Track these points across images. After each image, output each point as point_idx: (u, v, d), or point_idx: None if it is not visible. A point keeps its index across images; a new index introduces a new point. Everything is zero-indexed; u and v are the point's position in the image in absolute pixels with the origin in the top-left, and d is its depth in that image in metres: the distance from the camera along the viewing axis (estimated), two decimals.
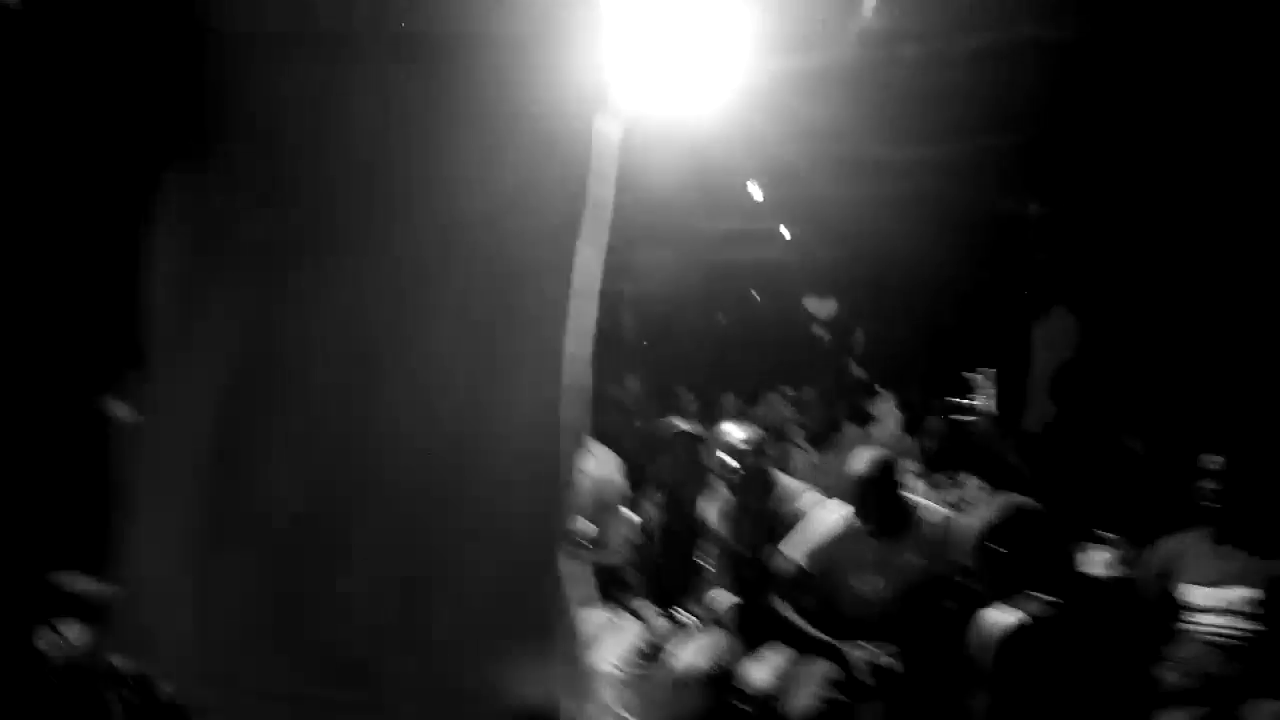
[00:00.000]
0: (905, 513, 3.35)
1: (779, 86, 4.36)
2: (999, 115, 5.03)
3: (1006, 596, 2.51)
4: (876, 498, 3.28)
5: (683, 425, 4.16)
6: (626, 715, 3.58)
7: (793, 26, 3.97)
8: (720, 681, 3.46)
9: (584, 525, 4.02)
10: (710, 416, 5.72)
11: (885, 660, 3.12)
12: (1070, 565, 2.66)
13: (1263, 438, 3.60)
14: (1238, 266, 5.23)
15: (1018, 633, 2.43)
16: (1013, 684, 2.44)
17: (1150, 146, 5.28)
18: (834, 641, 3.27)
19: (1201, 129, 4.90)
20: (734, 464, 3.66)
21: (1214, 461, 3.10)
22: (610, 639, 3.83)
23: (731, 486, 3.73)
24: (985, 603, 2.58)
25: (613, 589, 4.02)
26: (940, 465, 4.21)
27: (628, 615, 3.91)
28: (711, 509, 3.84)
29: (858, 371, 7.76)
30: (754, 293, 11.41)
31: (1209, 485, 3.09)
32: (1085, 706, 2.37)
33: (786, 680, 3.27)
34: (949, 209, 6.83)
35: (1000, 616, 2.47)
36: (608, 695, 3.58)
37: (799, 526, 3.51)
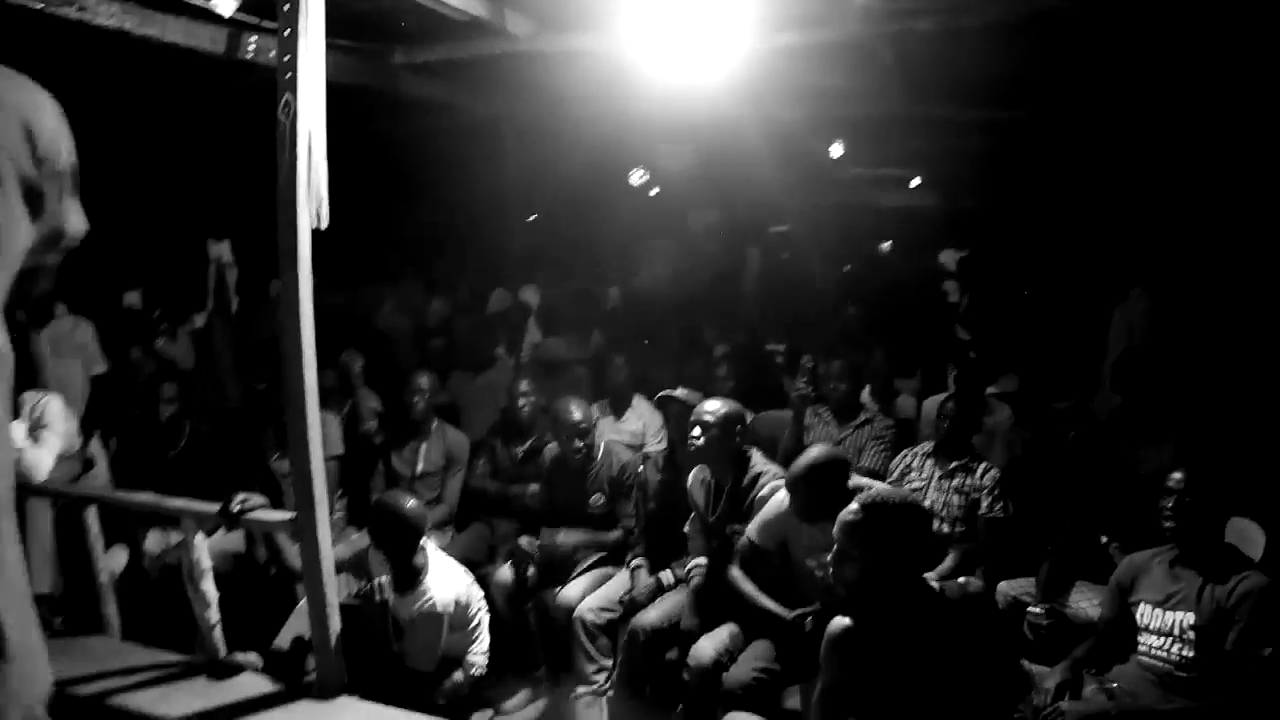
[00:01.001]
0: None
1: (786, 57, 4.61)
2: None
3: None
4: (810, 488, 3.20)
5: (677, 393, 4.22)
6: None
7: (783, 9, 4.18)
8: (665, 641, 3.63)
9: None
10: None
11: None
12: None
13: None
14: None
15: (842, 634, 2.44)
16: (833, 682, 2.47)
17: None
18: (781, 611, 3.33)
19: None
20: (699, 439, 3.69)
21: (1175, 479, 2.91)
22: (600, 588, 4.07)
23: (699, 456, 3.78)
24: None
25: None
26: (952, 449, 4.06)
27: (623, 569, 4.12)
28: (692, 478, 3.92)
29: (961, 333, 7.43)
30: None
31: (1170, 502, 2.90)
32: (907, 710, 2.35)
33: (729, 654, 3.39)
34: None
35: (840, 620, 2.48)
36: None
37: (765, 505, 3.56)
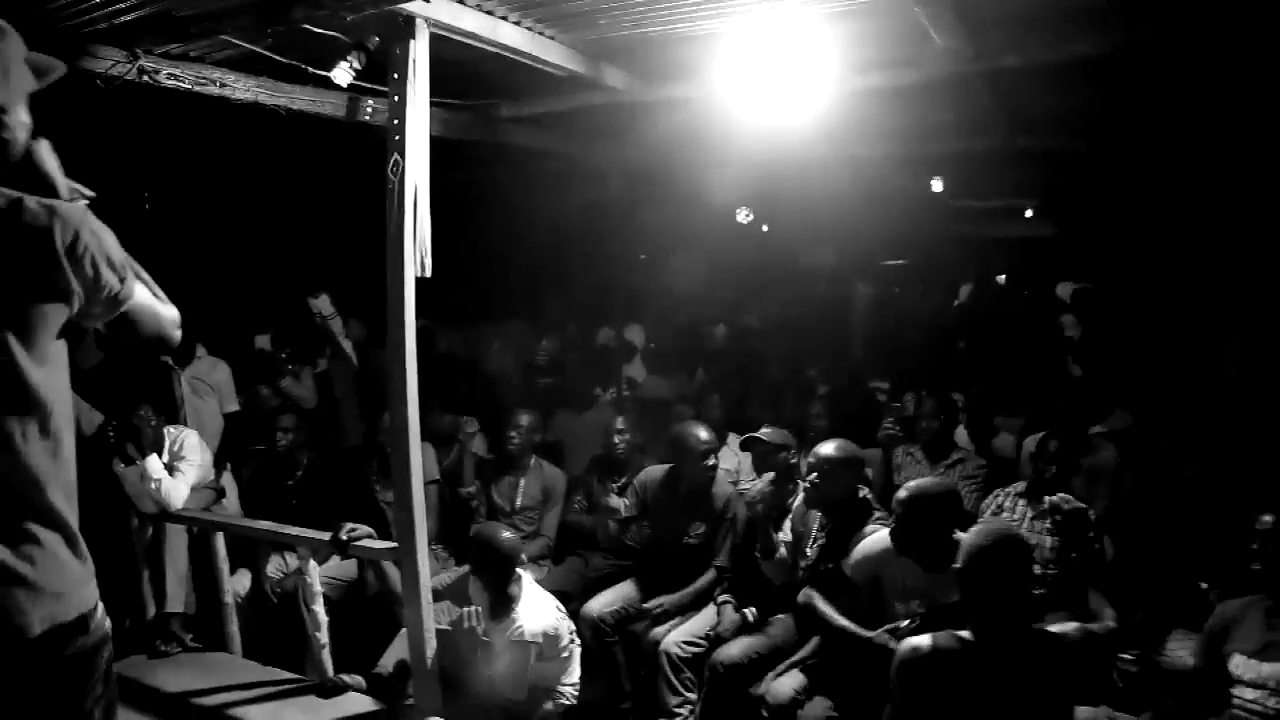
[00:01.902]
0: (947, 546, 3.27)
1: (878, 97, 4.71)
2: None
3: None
4: (910, 515, 3.18)
5: (761, 434, 4.27)
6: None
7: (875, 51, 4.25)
8: (747, 676, 3.68)
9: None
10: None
11: None
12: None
13: None
14: None
15: (915, 658, 2.46)
16: (906, 705, 2.48)
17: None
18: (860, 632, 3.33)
19: None
20: (817, 478, 3.70)
21: (1264, 521, 2.81)
22: (687, 623, 4.14)
23: (810, 502, 3.81)
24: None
25: None
26: (1045, 489, 3.97)
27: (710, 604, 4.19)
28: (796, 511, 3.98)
29: (1074, 369, 7.21)
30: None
31: (1257, 545, 2.81)
32: None
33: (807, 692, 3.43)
34: None
35: (915, 640, 2.50)
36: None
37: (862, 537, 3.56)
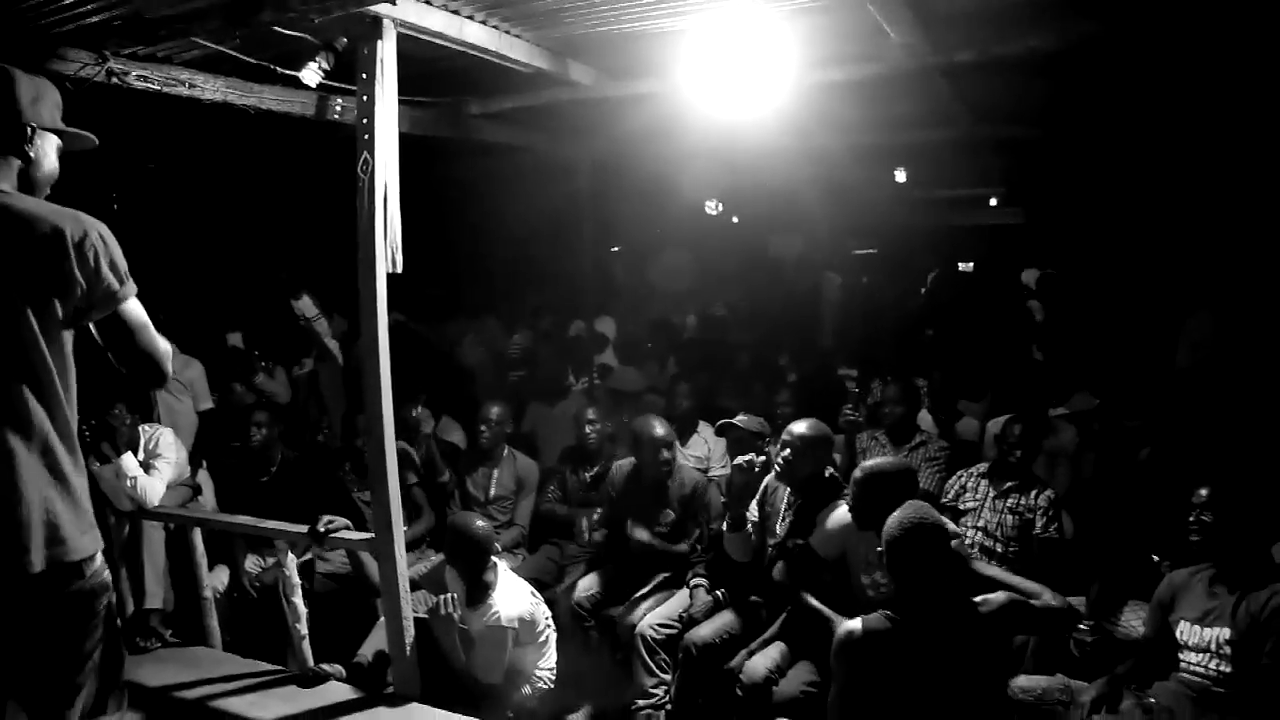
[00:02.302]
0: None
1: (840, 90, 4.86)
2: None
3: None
4: (866, 493, 3.30)
5: (736, 420, 4.39)
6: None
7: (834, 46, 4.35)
8: (719, 656, 3.79)
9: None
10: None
11: None
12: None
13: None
14: None
15: (850, 640, 2.58)
16: (846, 685, 2.60)
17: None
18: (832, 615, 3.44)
19: None
20: (789, 458, 3.82)
21: (1200, 495, 2.95)
22: (661, 606, 4.24)
23: (783, 478, 3.92)
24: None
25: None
26: (1008, 470, 4.11)
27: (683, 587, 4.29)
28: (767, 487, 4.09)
29: (1037, 355, 7.37)
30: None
31: (1192, 517, 2.95)
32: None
33: (779, 670, 3.54)
34: None
35: (850, 624, 2.62)
36: None
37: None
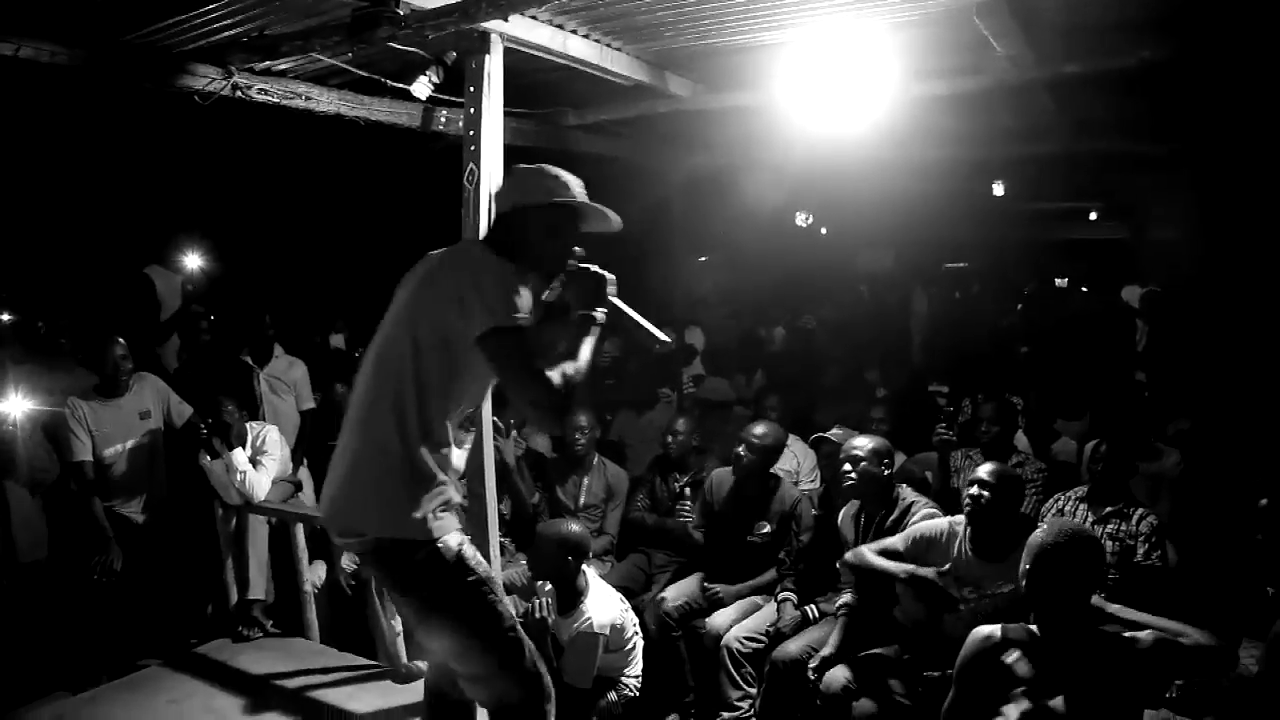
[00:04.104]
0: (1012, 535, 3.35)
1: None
2: None
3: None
4: (984, 516, 3.37)
5: (830, 434, 4.38)
6: None
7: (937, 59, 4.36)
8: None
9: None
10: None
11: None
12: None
13: None
14: None
15: (987, 647, 2.52)
16: (969, 691, 2.54)
17: None
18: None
19: None
20: (852, 473, 3.85)
21: None
22: (748, 618, 4.23)
23: (854, 492, 3.92)
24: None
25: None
26: (1105, 494, 3.99)
27: (771, 600, 4.28)
28: (843, 514, 4.05)
29: (1139, 374, 7.13)
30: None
31: None
32: None
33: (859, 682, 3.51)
34: None
35: (987, 629, 2.57)
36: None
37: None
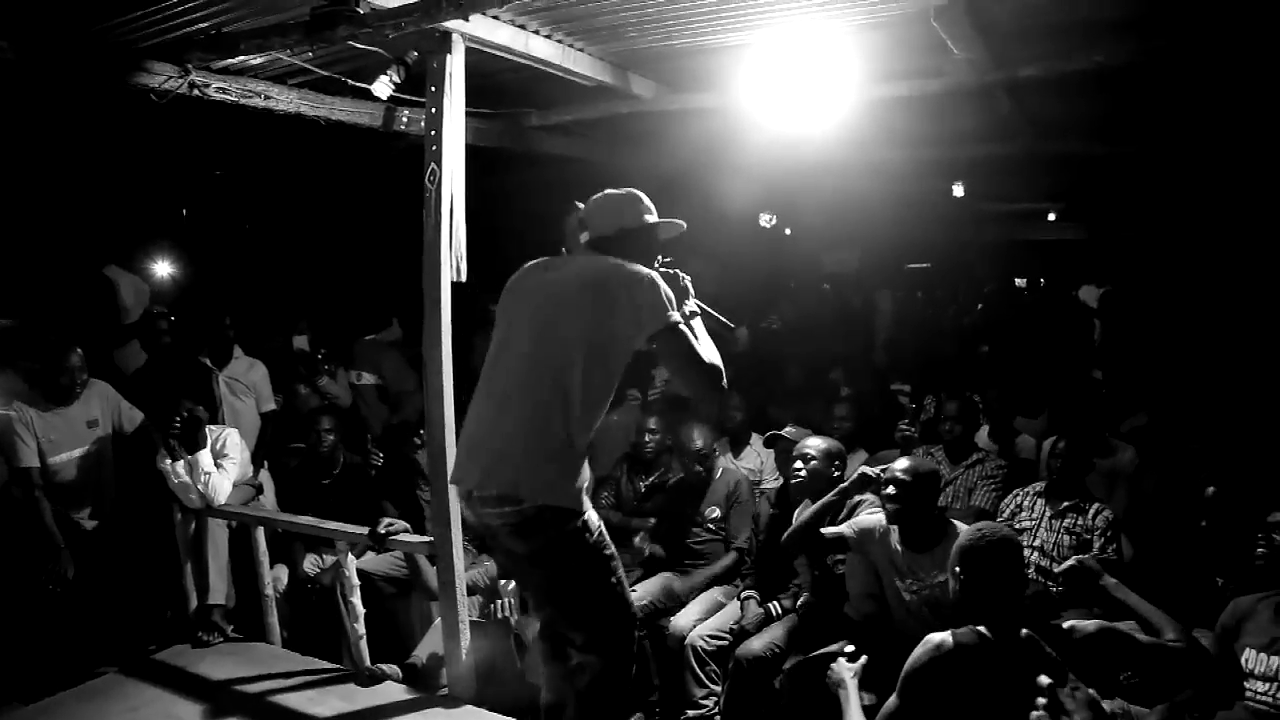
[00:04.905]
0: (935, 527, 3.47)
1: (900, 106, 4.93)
2: None
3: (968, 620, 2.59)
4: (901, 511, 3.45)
5: (784, 432, 4.42)
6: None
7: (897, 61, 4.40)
8: (770, 669, 3.79)
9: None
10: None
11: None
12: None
13: None
14: None
15: (939, 655, 2.54)
16: (914, 699, 2.56)
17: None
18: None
19: None
20: (802, 472, 3.88)
21: (1275, 518, 2.89)
22: (712, 617, 4.26)
23: (803, 490, 3.95)
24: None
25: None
26: (1063, 489, 4.06)
27: (734, 600, 4.31)
28: (798, 512, 4.08)
29: (1097, 374, 7.25)
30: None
31: (1264, 540, 2.89)
32: None
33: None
34: None
35: (939, 637, 2.58)
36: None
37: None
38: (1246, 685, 2.90)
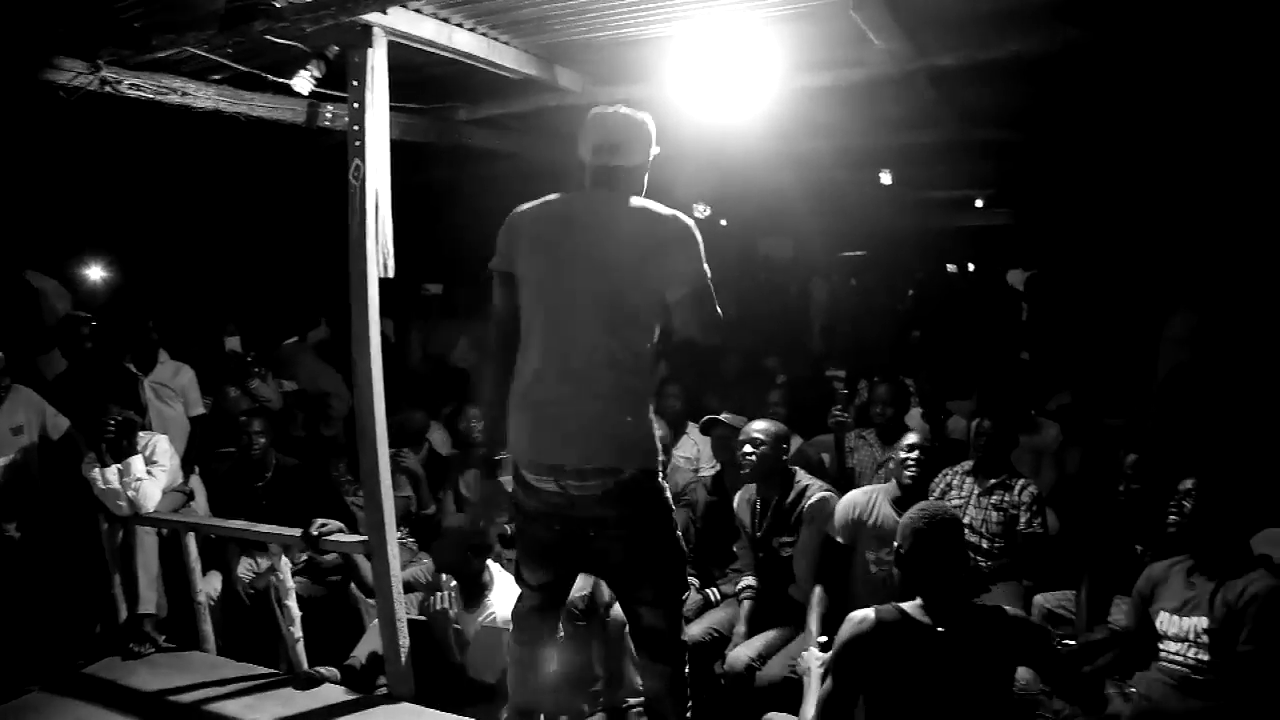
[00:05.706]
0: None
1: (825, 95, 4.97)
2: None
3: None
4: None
5: (721, 417, 4.46)
6: None
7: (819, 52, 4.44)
8: (709, 654, 3.83)
9: None
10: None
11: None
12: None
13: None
14: None
15: (862, 631, 2.60)
16: (844, 678, 2.63)
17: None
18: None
19: None
20: (752, 456, 3.93)
21: (1184, 486, 3.01)
22: None
23: (751, 475, 4.00)
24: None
25: None
26: (989, 466, 4.18)
27: None
28: (738, 498, 4.13)
29: (1023, 353, 7.47)
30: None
31: (1174, 507, 3.02)
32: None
33: (762, 657, 3.60)
34: None
35: (861, 612, 2.65)
36: None
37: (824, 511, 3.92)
38: (1161, 647, 3.02)
